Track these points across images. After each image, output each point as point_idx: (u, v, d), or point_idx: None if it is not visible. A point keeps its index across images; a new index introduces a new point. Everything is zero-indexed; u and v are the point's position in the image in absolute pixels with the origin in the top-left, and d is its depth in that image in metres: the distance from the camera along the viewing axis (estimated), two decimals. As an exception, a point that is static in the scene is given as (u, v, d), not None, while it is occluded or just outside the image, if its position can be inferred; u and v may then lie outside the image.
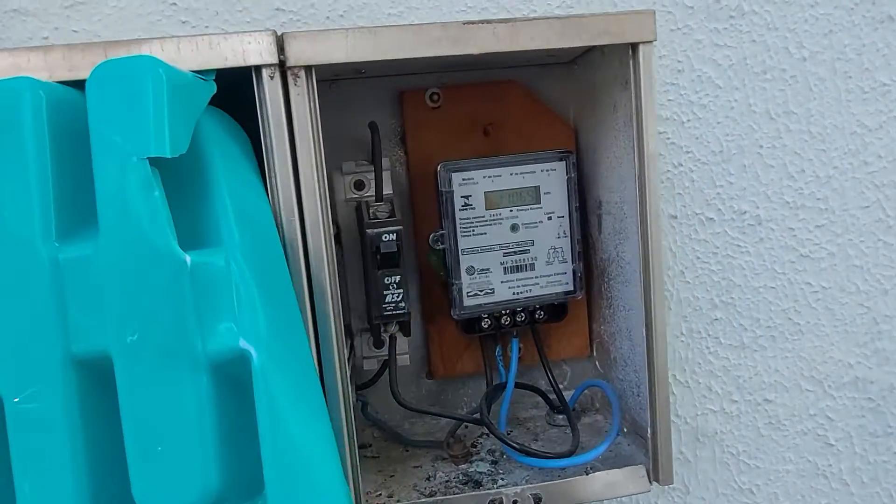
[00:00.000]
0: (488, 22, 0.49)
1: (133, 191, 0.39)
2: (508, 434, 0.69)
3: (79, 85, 0.42)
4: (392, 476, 0.63)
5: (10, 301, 0.40)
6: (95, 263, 0.40)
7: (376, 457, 0.68)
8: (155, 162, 0.40)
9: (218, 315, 0.41)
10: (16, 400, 0.41)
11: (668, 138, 0.73)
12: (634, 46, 0.51)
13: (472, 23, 0.49)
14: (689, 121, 0.73)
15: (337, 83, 0.66)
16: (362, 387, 0.67)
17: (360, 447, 0.69)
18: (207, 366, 0.40)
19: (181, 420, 0.40)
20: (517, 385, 0.69)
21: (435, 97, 0.66)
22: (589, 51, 0.60)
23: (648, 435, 0.56)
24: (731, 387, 0.78)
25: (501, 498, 0.55)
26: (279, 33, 0.47)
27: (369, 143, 0.60)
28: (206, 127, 0.45)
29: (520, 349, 0.70)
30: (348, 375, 0.53)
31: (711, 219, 0.75)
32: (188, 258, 0.40)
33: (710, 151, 0.74)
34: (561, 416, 0.70)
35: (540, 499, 0.56)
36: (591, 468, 0.57)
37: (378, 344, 0.62)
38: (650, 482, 0.57)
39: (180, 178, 0.44)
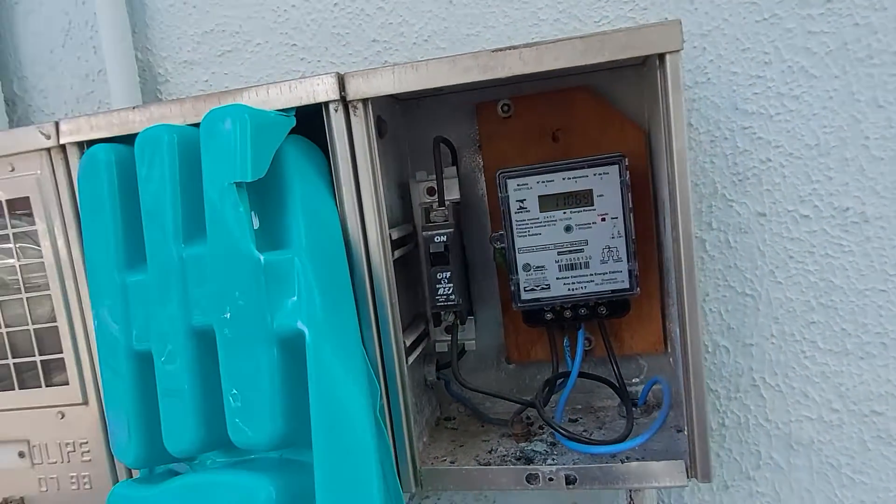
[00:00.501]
0: (514, 48, 0.54)
1: (225, 206, 0.53)
2: (574, 421, 0.73)
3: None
4: (461, 446, 0.71)
5: (158, 287, 0.57)
6: (205, 260, 0.55)
7: (455, 429, 0.77)
8: (242, 184, 0.53)
9: (283, 301, 0.53)
10: (161, 360, 0.57)
11: (755, 133, 0.71)
12: (661, 57, 0.53)
13: (500, 50, 0.55)
14: (778, 114, 0.70)
15: (423, 101, 0.75)
16: (443, 367, 0.76)
17: (446, 419, 0.79)
18: (275, 339, 0.53)
19: (257, 379, 0.53)
20: (589, 376, 0.74)
21: (506, 108, 0.72)
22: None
23: (685, 433, 0.58)
24: (830, 395, 0.73)
25: (538, 474, 0.61)
26: (341, 74, 0.57)
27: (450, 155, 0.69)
28: (287, 152, 0.58)
29: (589, 340, 0.74)
30: (406, 355, 0.63)
31: (807, 216, 0.71)
32: (262, 258, 0.53)
33: (804, 145, 0.70)
34: (634, 409, 0.72)
35: (574, 479, 0.60)
36: (626, 458, 0.60)
37: (448, 329, 0.71)
38: (688, 477, 0.58)
39: (265, 193, 0.57)
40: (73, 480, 0.68)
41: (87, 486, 0.68)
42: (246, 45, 0.80)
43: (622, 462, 0.60)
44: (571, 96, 0.71)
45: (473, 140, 0.75)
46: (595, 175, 0.65)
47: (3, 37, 0.85)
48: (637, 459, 0.61)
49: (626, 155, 0.65)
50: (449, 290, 0.63)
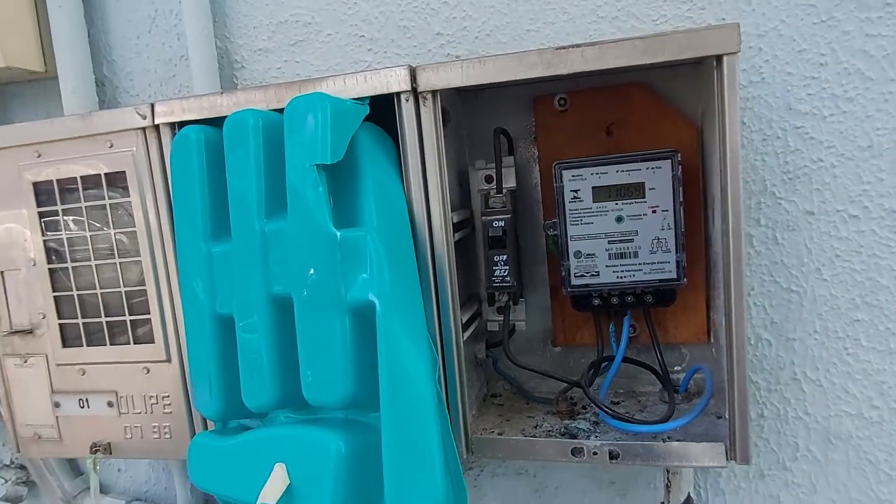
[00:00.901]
0: (577, 46, 0.58)
1: (306, 185, 0.58)
2: (616, 403, 0.77)
3: (282, 111, 0.62)
4: (508, 420, 0.76)
5: (241, 257, 0.62)
6: (285, 234, 0.60)
7: (501, 405, 0.81)
8: (322, 166, 0.58)
9: (356, 275, 0.58)
10: (241, 325, 0.63)
11: (807, 133, 0.72)
12: (719, 58, 0.56)
13: (564, 48, 0.58)
14: (831, 115, 0.71)
15: (482, 92, 0.79)
16: (492, 346, 0.81)
17: (492, 396, 0.84)
18: (348, 309, 0.58)
19: (331, 344, 0.58)
20: (632, 361, 0.77)
21: (562, 101, 0.75)
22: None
23: (727, 418, 0.61)
24: (872, 391, 0.74)
25: (583, 448, 0.65)
26: (413, 66, 0.62)
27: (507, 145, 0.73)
28: (360, 139, 0.63)
29: (634, 328, 0.77)
30: (463, 331, 0.67)
31: (856, 216, 0.72)
32: (338, 234, 0.58)
33: (857, 146, 0.71)
34: (676, 395, 0.75)
35: (617, 455, 0.64)
36: (668, 437, 0.64)
37: (500, 310, 0.75)
38: (727, 459, 0.61)
39: (340, 176, 0.62)
40: (155, 430, 0.75)
41: (168, 436, 0.75)
42: (317, 36, 0.85)
43: (664, 441, 0.64)
44: (627, 92, 0.74)
45: (529, 131, 0.79)
46: (648, 169, 0.68)
47: (96, 22, 0.92)
48: (679, 440, 0.64)
49: (679, 149, 0.68)
50: (504, 273, 0.67)
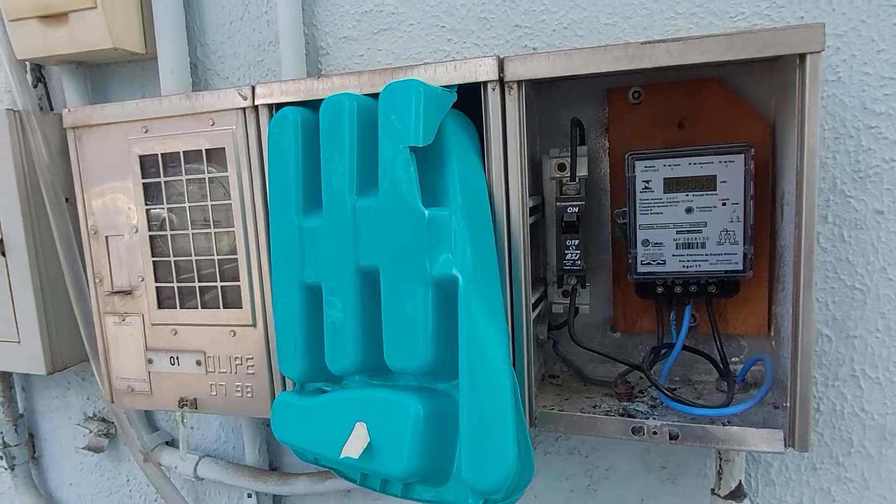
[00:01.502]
0: (663, 41, 0.60)
1: (398, 165, 0.63)
2: (673, 390, 0.79)
3: (376, 96, 0.67)
4: (567, 399, 0.79)
5: (332, 231, 0.67)
6: (375, 210, 0.65)
7: (560, 385, 0.85)
8: (413, 148, 0.62)
9: (441, 251, 0.62)
10: (329, 293, 0.68)
11: (881, 133, 0.73)
12: (802, 57, 0.58)
13: (649, 42, 0.61)
14: (908, 116, 0.72)
15: (557, 83, 0.82)
16: (554, 328, 0.84)
17: (550, 376, 0.87)
18: (432, 282, 0.62)
19: (414, 314, 0.63)
20: (691, 350, 0.79)
21: (636, 94, 0.78)
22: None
23: (787, 405, 0.63)
24: (932, 392, 0.75)
25: (643, 427, 0.68)
26: (501, 57, 0.65)
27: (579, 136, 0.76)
28: (447, 124, 0.67)
29: (694, 317, 0.79)
30: (532, 311, 0.71)
31: (927, 217, 0.73)
32: (426, 212, 0.62)
33: (932, 148, 0.72)
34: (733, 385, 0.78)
35: (676, 435, 0.67)
36: (728, 421, 0.66)
37: (566, 293, 0.78)
38: (785, 446, 0.64)
39: (429, 158, 0.66)
40: (238, 389, 0.82)
41: (250, 395, 0.81)
42: (400, 25, 0.89)
43: (723, 425, 0.66)
44: (700, 86, 0.76)
45: (600, 122, 0.82)
46: (721, 162, 0.70)
47: (193, 8, 0.98)
48: (738, 425, 0.67)
49: (752, 145, 0.70)
50: (576, 257, 0.71)
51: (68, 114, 0.85)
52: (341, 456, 0.62)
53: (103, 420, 1.14)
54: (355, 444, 0.62)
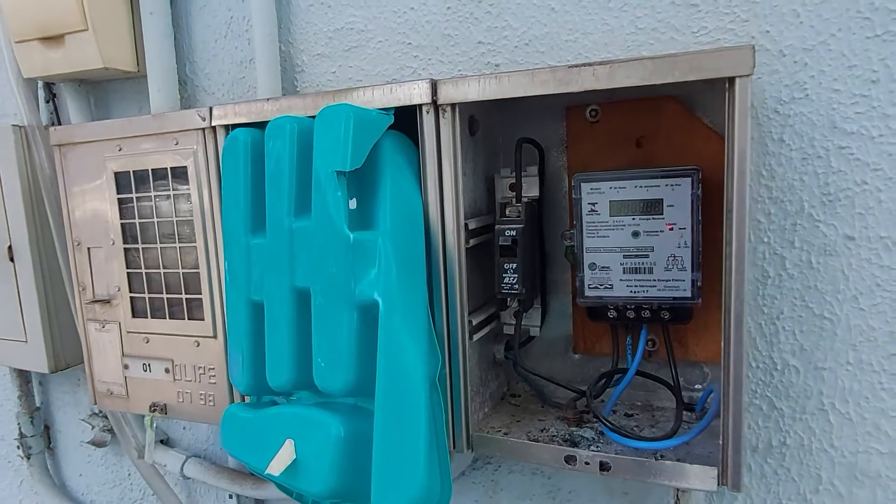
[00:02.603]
0: (589, 65, 0.59)
1: (328, 189, 0.64)
2: (629, 416, 0.77)
3: (317, 119, 0.68)
4: (518, 421, 0.78)
5: (271, 251, 0.69)
6: (309, 232, 0.66)
7: (518, 405, 0.84)
8: (344, 171, 0.63)
9: (365, 275, 0.63)
10: (269, 311, 0.70)
11: (853, 154, 0.69)
12: (731, 80, 0.55)
13: (576, 66, 0.59)
14: (881, 136, 0.67)
15: (518, 100, 0.80)
16: (510, 348, 0.83)
17: (512, 395, 0.87)
18: (355, 305, 0.63)
19: (339, 336, 0.64)
20: (648, 375, 0.77)
21: (593, 113, 0.76)
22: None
23: (720, 442, 0.60)
24: (907, 431, 0.70)
25: (576, 456, 0.67)
26: (435, 80, 0.65)
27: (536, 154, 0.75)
28: (384, 146, 0.67)
29: (653, 342, 0.77)
30: (468, 333, 0.71)
31: (901, 244, 0.68)
32: (352, 236, 0.63)
33: (906, 170, 0.67)
34: (688, 413, 0.75)
35: (609, 467, 0.65)
36: (660, 455, 0.64)
37: (517, 314, 0.77)
38: (719, 484, 0.61)
39: (363, 179, 0.67)
40: (202, 397, 0.85)
41: (212, 403, 0.84)
42: (369, 42, 0.90)
43: (656, 459, 0.64)
44: (659, 105, 0.73)
45: (562, 140, 0.80)
46: (667, 185, 0.67)
47: (181, 27, 1.02)
48: (676, 459, 0.64)
49: (710, 165, 0.67)
50: (514, 280, 0.70)
51: (54, 132, 0.90)
52: (265, 472, 0.64)
53: (105, 416, 1.21)
54: (281, 461, 0.64)
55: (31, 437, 1.27)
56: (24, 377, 1.25)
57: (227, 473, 1.04)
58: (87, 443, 1.20)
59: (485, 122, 0.77)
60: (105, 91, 1.11)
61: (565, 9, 0.79)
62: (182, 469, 1.08)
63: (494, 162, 0.81)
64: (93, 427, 1.20)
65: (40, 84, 1.13)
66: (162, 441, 1.16)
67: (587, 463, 0.66)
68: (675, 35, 0.75)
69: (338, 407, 0.68)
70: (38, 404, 1.28)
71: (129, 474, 1.25)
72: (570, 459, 0.67)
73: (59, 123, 1.15)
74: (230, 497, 1.07)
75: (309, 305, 0.67)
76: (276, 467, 0.62)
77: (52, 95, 1.15)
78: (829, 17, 0.68)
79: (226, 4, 0.99)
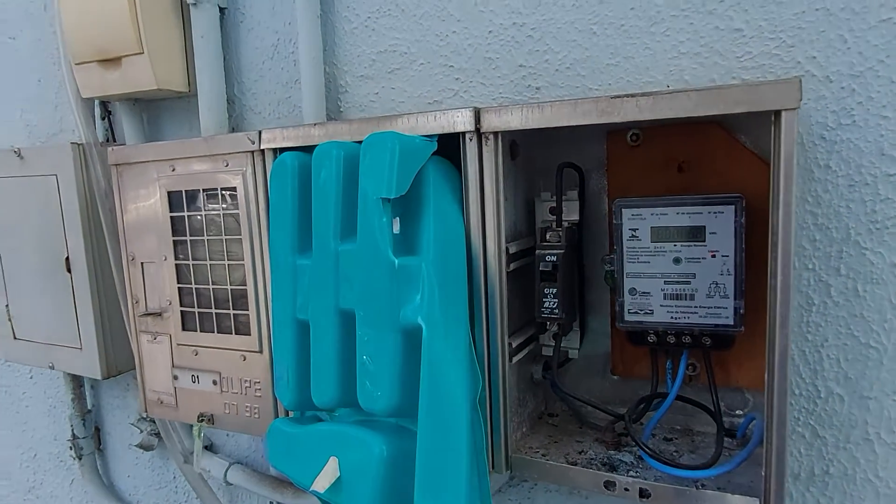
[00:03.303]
0: (632, 96, 0.59)
1: (373, 215, 0.65)
2: (669, 440, 0.77)
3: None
4: (556, 442, 0.79)
5: (317, 272, 0.71)
6: (354, 256, 0.68)
7: (556, 426, 0.84)
8: (387, 199, 0.65)
9: (409, 299, 0.65)
10: (315, 330, 0.72)
11: (902, 181, 0.68)
12: (777, 113, 0.55)
13: (619, 96, 0.60)
14: (932, 164, 0.66)
15: (559, 123, 0.81)
16: (548, 369, 0.84)
17: (549, 415, 0.87)
18: (400, 329, 0.65)
19: (383, 358, 0.65)
20: (688, 400, 0.77)
21: (635, 137, 0.76)
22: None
23: (763, 473, 0.60)
24: (958, 465, 0.69)
25: (615, 482, 0.67)
26: (478, 108, 0.67)
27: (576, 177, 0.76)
28: (428, 172, 0.69)
29: (694, 366, 0.77)
30: (508, 356, 0.72)
31: (953, 274, 0.67)
32: (396, 261, 0.65)
33: (959, 199, 0.65)
34: (729, 439, 0.74)
35: (648, 494, 0.65)
36: (701, 484, 0.64)
37: (555, 336, 0.78)
38: (761, 515, 0.61)
39: (408, 206, 0.68)
40: (247, 409, 0.88)
41: (257, 416, 0.87)
42: (411, 65, 0.92)
43: (697, 488, 0.64)
44: (702, 130, 0.73)
45: (601, 163, 0.80)
46: (710, 212, 0.67)
47: (230, 48, 1.06)
48: (717, 488, 0.64)
49: (753, 191, 0.67)
50: (553, 305, 0.70)
51: (111, 152, 0.95)
52: (310, 489, 0.66)
53: (153, 421, 1.25)
54: (325, 478, 0.66)
55: (83, 438, 1.32)
56: (77, 381, 1.31)
57: (269, 481, 1.07)
58: (136, 446, 1.25)
59: (525, 145, 0.78)
60: (157, 109, 1.15)
61: (607, 33, 0.79)
62: (225, 475, 1.11)
63: (533, 184, 0.82)
64: (141, 431, 1.25)
65: (96, 102, 1.18)
66: (206, 447, 1.20)
67: (627, 489, 0.67)
68: (719, 60, 0.75)
69: (380, 426, 0.70)
70: (89, 407, 1.34)
71: (175, 477, 1.29)
72: (609, 485, 0.68)
73: (114, 140, 1.20)
74: (271, 504, 1.10)
75: (353, 326, 0.69)
76: (321, 484, 0.65)
77: (107, 113, 1.21)
78: (877, 43, 0.67)
79: (273, 28, 1.02)
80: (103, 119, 1.20)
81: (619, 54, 0.79)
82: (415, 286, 0.65)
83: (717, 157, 0.73)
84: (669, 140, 0.75)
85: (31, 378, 1.46)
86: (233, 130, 1.07)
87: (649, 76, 0.78)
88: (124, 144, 1.14)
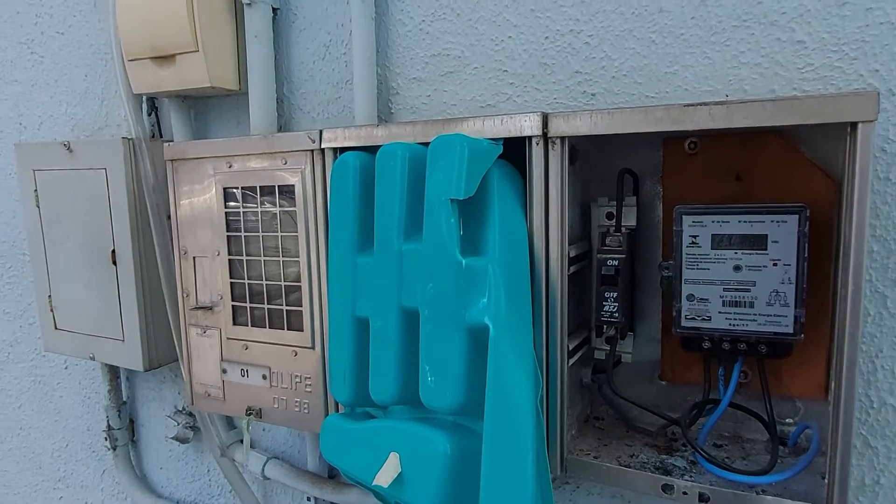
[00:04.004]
0: (705, 104, 0.60)
1: (441, 216, 0.66)
2: (719, 447, 0.78)
3: (427, 145, 0.71)
4: (606, 445, 0.80)
5: (379, 271, 0.72)
6: (419, 255, 0.69)
7: (602, 429, 0.85)
8: (455, 200, 0.66)
9: (476, 298, 0.66)
10: (375, 328, 0.73)
11: (964, 195, 0.68)
12: (853, 125, 0.56)
13: (691, 105, 0.61)
14: None
15: (614, 129, 0.82)
16: (598, 371, 0.85)
17: (595, 418, 0.88)
18: (465, 328, 0.66)
19: (448, 357, 0.66)
20: (739, 407, 0.77)
21: (692, 145, 0.77)
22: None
23: (826, 480, 0.61)
24: None
25: (674, 485, 0.68)
26: (546, 113, 0.68)
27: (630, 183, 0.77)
28: (493, 175, 0.70)
29: (746, 374, 0.77)
30: (567, 358, 0.73)
31: None
32: (464, 262, 0.66)
33: None
34: (781, 448, 0.75)
35: (707, 499, 0.66)
36: (763, 490, 0.64)
37: (608, 340, 0.79)
38: (822, 522, 0.61)
39: (473, 208, 0.69)
40: (297, 404, 0.89)
41: (307, 412, 0.88)
42: (465, 68, 0.93)
43: (757, 493, 0.65)
44: (761, 139, 0.74)
45: (657, 169, 0.81)
46: (773, 221, 0.68)
47: (281, 49, 1.07)
48: (775, 495, 0.65)
49: (812, 201, 0.67)
50: (614, 309, 0.71)
51: (168, 148, 0.96)
52: (373, 483, 0.67)
53: (189, 414, 1.27)
54: (386, 473, 0.67)
55: (118, 429, 1.34)
56: (113, 373, 1.33)
57: (308, 476, 1.08)
58: (171, 438, 1.26)
59: (581, 150, 0.79)
60: (205, 106, 1.17)
61: (666, 41, 0.80)
62: (263, 470, 1.13)
63: (587, 189, 0.83)
64: (177, 424, 1.26)
65: (144, 98, 1.20)
66: (241, 441, 1.21)
67: (685, 493, 0.67)
68: (780, 70, 0.75)
69: (440, 423, 0.71)
70: (124, 399, 1.35)
71: (209, 471, 1.30)
72: (667, 489, 0.68)
73: (161, 135, 1.22)
74: (308, 500, 1.11)
75: (415, 324, 0.70)
76: (385, 478, 0.66)
77: (152, 109, 1.22)
78: (944, 56, 0.68)
79: (325, 29, 1.03)
80: (149, 115, 1.22)
81: (678, 63, 0.80)
82: (480, 286, 0.66)
83: (776, 167, 0.73)
84: (727, 149, 0.76)
85: (65, 369, 1.48)
86: (280, 129, 1.08)
87: (708, 85, 0.79)
88: (171, 140, 1.15)
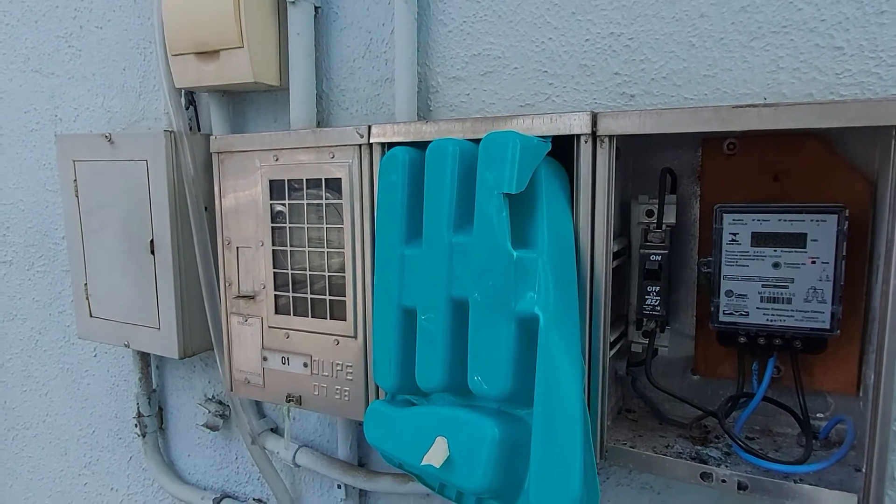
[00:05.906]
0: (754, 106, 0.63)
1: (493, 210, 0.69)
2: (751, 439, 0.80)
3: (476, 141, 0.73)
4: (640, 436, 0.82)
5: (429, 262, 0.75)
6: (469, 247, 0.72)
7: (635, 421, 0.88)
8: (507, 194, 0.69)
9: (526, 289, 0.68)
10: (423, 318, 0.76)
11: None
12: (898, 128, 0.58)
13: (740, 106, 0.63)
14: None
15: (652, 130, 0.85)
16: (634, 364, 0.87)
17: (627, 411, 0.90)
18: (515, 318, 0.68)
19: (497, 346, 0.69)
20: (772, 401, 0.80)
21: (731, 146, 0.80)
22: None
23: (864, 472, 0.63)
24: None
25: (712, 474, 0.70)
26: (595, 112, 0.70)
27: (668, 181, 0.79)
28: (541, 172, 0.72)
29: (779, 369, 0.80)
30: (609, 349, 0.75)
31: None
32: (515, 254, 0.68)
33: None
34: (813, 441, 0.77)
35: (746, 486, 0.69)
36: (800, 479, 0.67)
37: (645, 334, 0.81)
38: (858, 510, 0.64)
39: (522, 203, 0.72)
40: (337, 392, 0.91)
41: (347, 399, 0.91)
42: (505, 69, 0.96)
43: (795, 482, 0.67)
44: (799, 141, 0.76)
45: (694, 168, 0.84)
46: (812, 221, 0.71)
47: (322, 45, 1.10)
48: (812, 484, 0.67)
49: (847, 202, 0.70)
50: (656, 302, 0.74)
51: (214, 140, 0.99)
52: (422, 463, 0.69)
53: (220, 402, 1.29)
54: (436, 455, 0.69)
55: (148, 416, 1.36)
56: (144, 360, 1.35)
57: (339, 464, 1.11)
58: (202, 426, 1.29)
59: (622, 148, 0.82)
60: (244, 101, 1.19)
61: (705, 45, 0.83)
62: (294, 457, 1.15)
63: (625, 187, 0.86)
64: (207, 412, 1.29)
65: (182, 92, 1.23)
66: (272, 430, 1.24)
67: (724, 481, 0.70)
68: (818, 76, 0.78)
69: (486, 410, 0.73)
70: (154, 386, 1.38)
71: (237, 458, 1.33)
72: (706, 476, 0.71)
73: (199, 129, 1.24)
74: (338, 487, 1.13)
75: (462, 314, 0.73)
76: (436, 460, 0.68)
77: (190, 103, 1.25)
78: (980, 65, 0.70)
79: (366, 27, 1.06)
80: (187, 108, 1.24)
81: (717, 66, 0.82)
82: (530, 278, 0.68)
83: (814, 169, 0.76)
84: (765, 150, 0.78)
85: (94, 356, 1.51)
86: (319, 125, 1.11)
87: (746, 88, 0.81)
88: (210, 133, 1.18)
